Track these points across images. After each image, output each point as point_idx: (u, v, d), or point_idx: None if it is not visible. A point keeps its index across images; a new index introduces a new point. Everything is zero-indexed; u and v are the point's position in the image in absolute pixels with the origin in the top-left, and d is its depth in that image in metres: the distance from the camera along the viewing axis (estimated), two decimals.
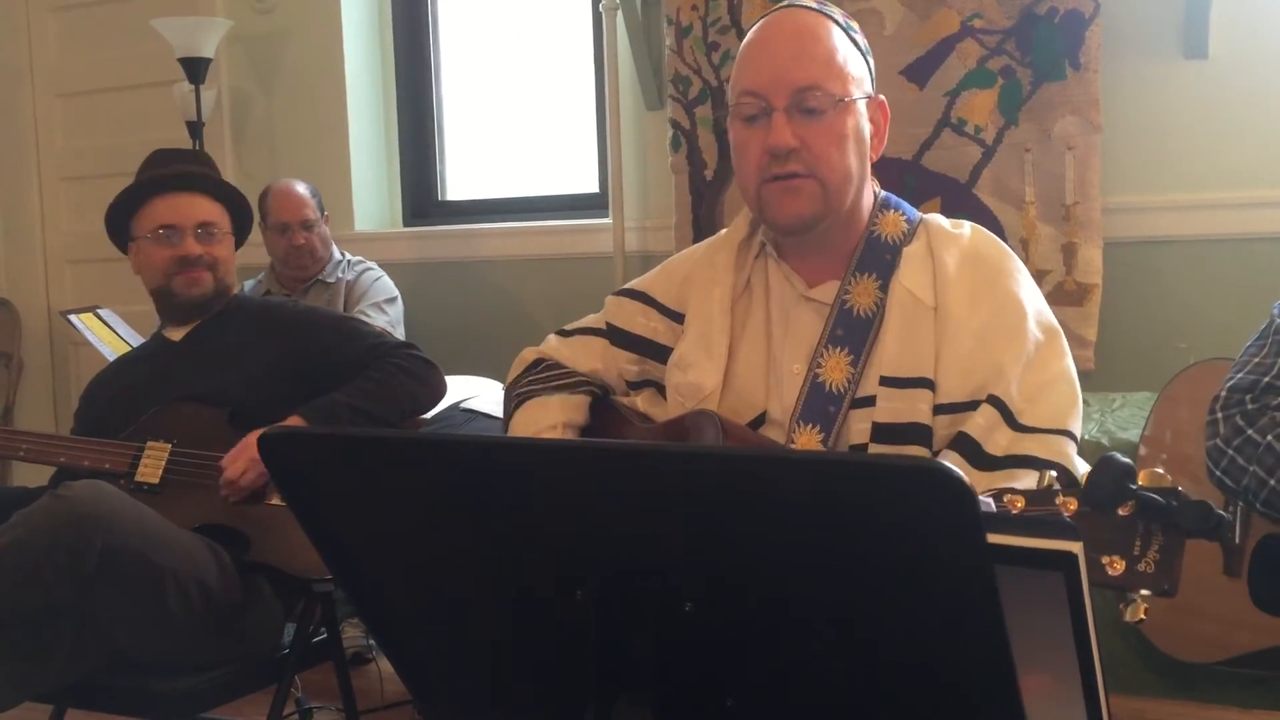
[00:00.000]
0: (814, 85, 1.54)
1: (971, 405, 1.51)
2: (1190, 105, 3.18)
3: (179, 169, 2.47)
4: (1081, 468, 1.49)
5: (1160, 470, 1.12)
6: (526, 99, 4.33)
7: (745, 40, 1.63)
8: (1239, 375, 1.89)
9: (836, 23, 1.60)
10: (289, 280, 3.81)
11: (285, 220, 3.72)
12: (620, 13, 3.72)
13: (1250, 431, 1.82)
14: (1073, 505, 1.13)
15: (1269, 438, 1.80)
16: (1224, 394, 1.90)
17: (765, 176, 1.57)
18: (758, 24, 1.63)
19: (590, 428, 1.75)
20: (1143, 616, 1.09)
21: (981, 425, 1.49)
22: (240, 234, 2.54)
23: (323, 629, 2.36)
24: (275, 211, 3.75)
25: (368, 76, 4.38)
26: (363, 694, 2.67)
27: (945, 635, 0.85)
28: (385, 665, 2.96)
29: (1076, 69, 3.16)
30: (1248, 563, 2.38)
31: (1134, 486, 1.10)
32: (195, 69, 4.05)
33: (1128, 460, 1.11)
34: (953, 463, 1.46)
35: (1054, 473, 1.18)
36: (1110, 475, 1.10)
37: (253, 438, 2.22)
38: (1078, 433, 1.52)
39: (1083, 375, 3.14)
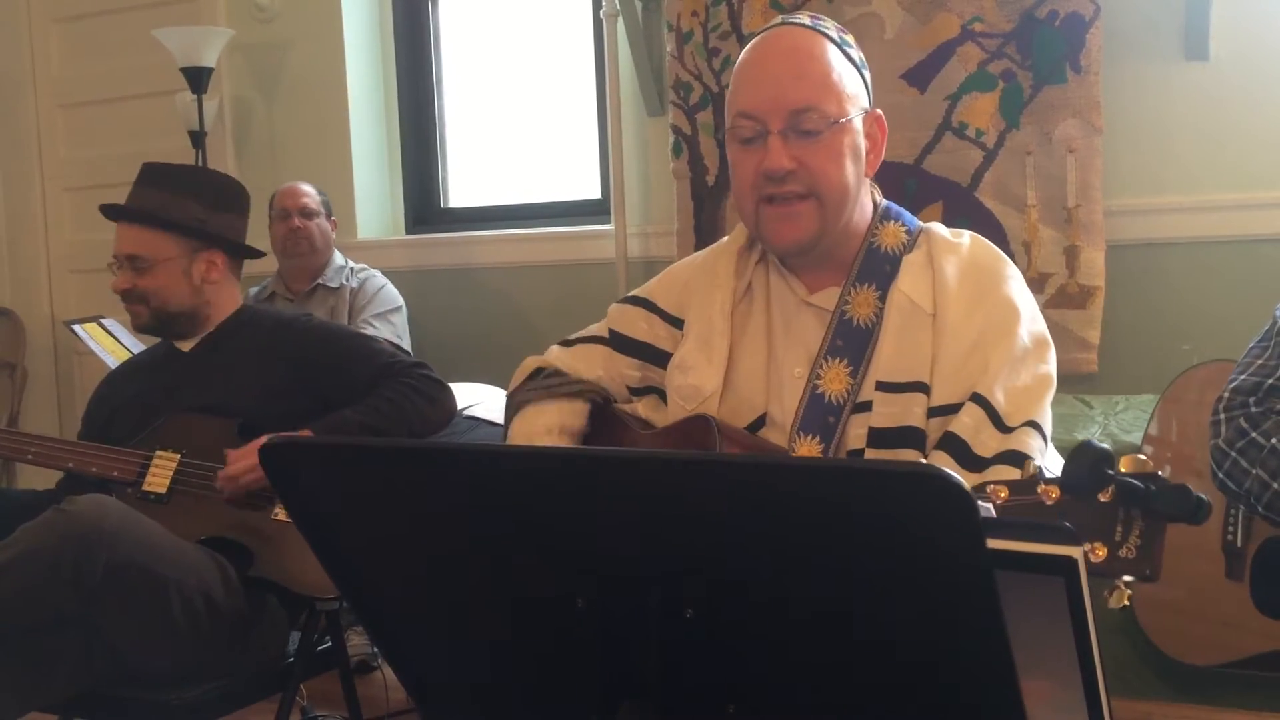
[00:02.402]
0: (809, 106, 1.54)
1: (960, 406, 1.52)
2: (1191, 107, 3.18)
3: (135, 194, 2.44)
4: (1044, 460, 1.50)
5: (1141, 456, 1.12)
6: (528, 105, 4.33)
7: (740, 60, 1.62)
8: (1242, 377, 1.89)
9: (831, 39, 1.59)
10: (292, 277, 3.85)
11: (285, 206, 3.83)
12: (621, 19, 3.73)
13: (1254, 434, 1.82)
14: (1055, 493, 1.13)
15: (1273, 441, 1.79)
16: (1227, 395, 1.89)
17: (760, 195, 1.58)
18: (752, 44, 1.62)
19: (591, 434, 1.76)
20: (1126, 603, 1.09)
21: (969, 425, 1.49)
22: (203, 244, 2.45)
23: (328, 638, 2.36)
24: (278, 200, 3.86)
25: (369, 84, 4.38)
26: (368, 702, 2.67)
27: (946, 641, 0.85)
28: (390, 673, 2.96)
29: (1077, 72, 3.17)
30: (1249, 566, 2.38)
31: (1112, 472, 1.10)
32: (197, 78, 4.06)
33: (1105, 446, 1.11)
34: (942, 463, 1.47)
35: (1038, 462, 1.19)
36: (1088, 461, 1.10)
37: (260, 442, 2.22)
38: (1046, 425, 1.53)
39: (1086, 378, 3.17)
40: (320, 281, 3.82)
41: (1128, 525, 1.10)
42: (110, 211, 2.46)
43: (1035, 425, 1.50)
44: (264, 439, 2.17)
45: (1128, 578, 1.10)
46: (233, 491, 2.24)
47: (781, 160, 1.54)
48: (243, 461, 2.24)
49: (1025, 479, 1.16)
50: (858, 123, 1.59)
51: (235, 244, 2.51)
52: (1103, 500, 1.11)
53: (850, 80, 1.58)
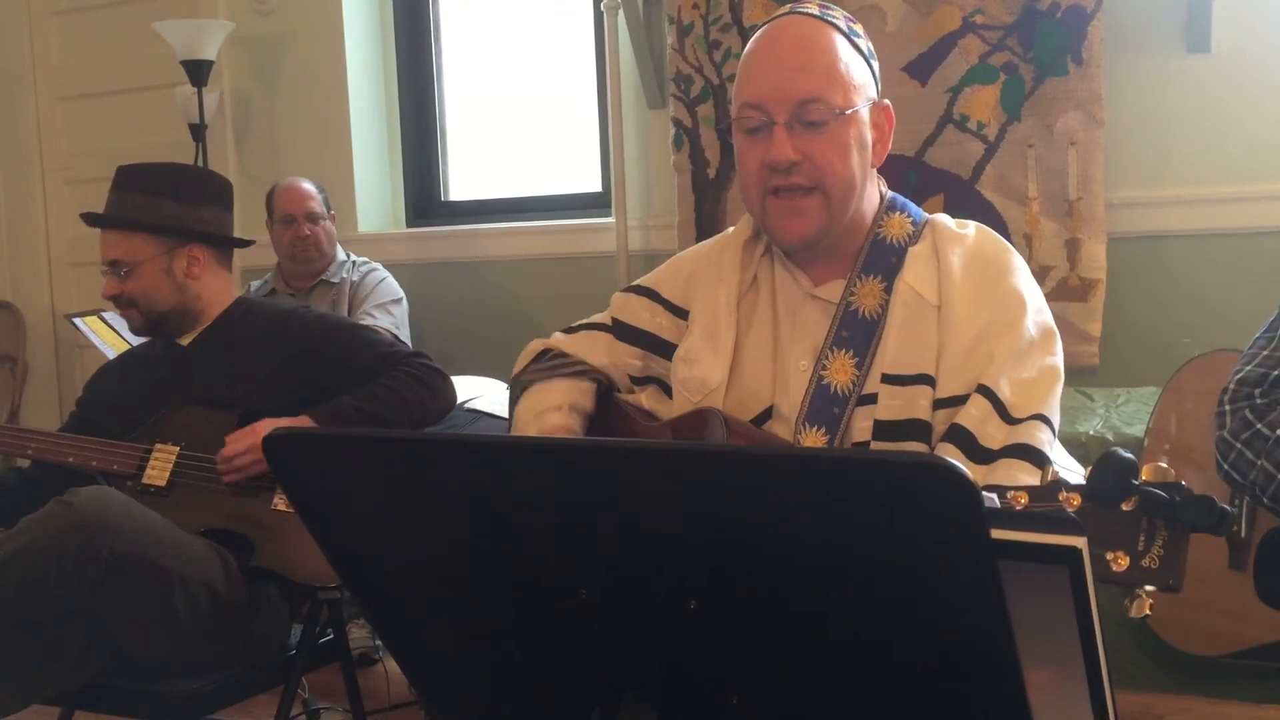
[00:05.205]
0: (815, 98, 1.53)
1: (966, 398, 1.51)
2: (1193, 99, 3.18)
3: (111, 199, 2.44)
4: (1055, 454, 1.49)
5: (1164, 465, 1.11)
6: (528, 98, 4.33)
7: (747, 50, 1.62)
8: (1247, 368, 1.88)
9: (839, 29, 1.58)
10: (295, 277, 3.83)
11: (290, 212, 3.76)
12: (621, 12, 3.72)
13: (1259, 425, 1.81)
14: (1076, 500, 1.13)
15: (1278, 432, 1.79)
16: (1232, 386, 1.89)
17: (766, 188, 1.57)
18: (759, 33, 1.61)
19: (595, 425, 1.75)
20: (1148, 612, 1.09)
21: (975, 417, 1.49)
22: (181, 240, 2.43)
23: (329, 630, 2.36)
24: (281, 205, 3.79)
25: (369, 77, 4.38)
26: (369, 695, 2.67)
27: (950, 631, 0.85)
28: (392, 666, 2.96)
29: (1079, 64, 3.16)
30: (1253, 557, 2.38)
31: (1137, 482, 1.10)
32: (197, 71, 4.05)
33: (1131, 456, 1.11)
34: (949, 456, 1.46)
35: (1047, 455, 1.18)
36: (1113, 470, 1.10)
37: (260, 425, 2.23)
38: (1054, 419, 1.52)
39: (1087, 370, 3.17)
40: (323, 277, 3.81)
41: (1151, 535, 1.09)
42: (88, 219, 2.47)
43: (1043, 418, 1.49)
44: (261, 423, 2.21)
45: (1149, 587, 1.09)
46: (232, 475, 2.24)
47: (786, 151, 1.53)
48: (241, 444, 2.24)
49: (1046, 485, 1.15)
50: (864, 113, 1.58)
51: (216, 236, 2.48)
52: (1125, 509, 1.10)
53: (858, 70, 1.58)
